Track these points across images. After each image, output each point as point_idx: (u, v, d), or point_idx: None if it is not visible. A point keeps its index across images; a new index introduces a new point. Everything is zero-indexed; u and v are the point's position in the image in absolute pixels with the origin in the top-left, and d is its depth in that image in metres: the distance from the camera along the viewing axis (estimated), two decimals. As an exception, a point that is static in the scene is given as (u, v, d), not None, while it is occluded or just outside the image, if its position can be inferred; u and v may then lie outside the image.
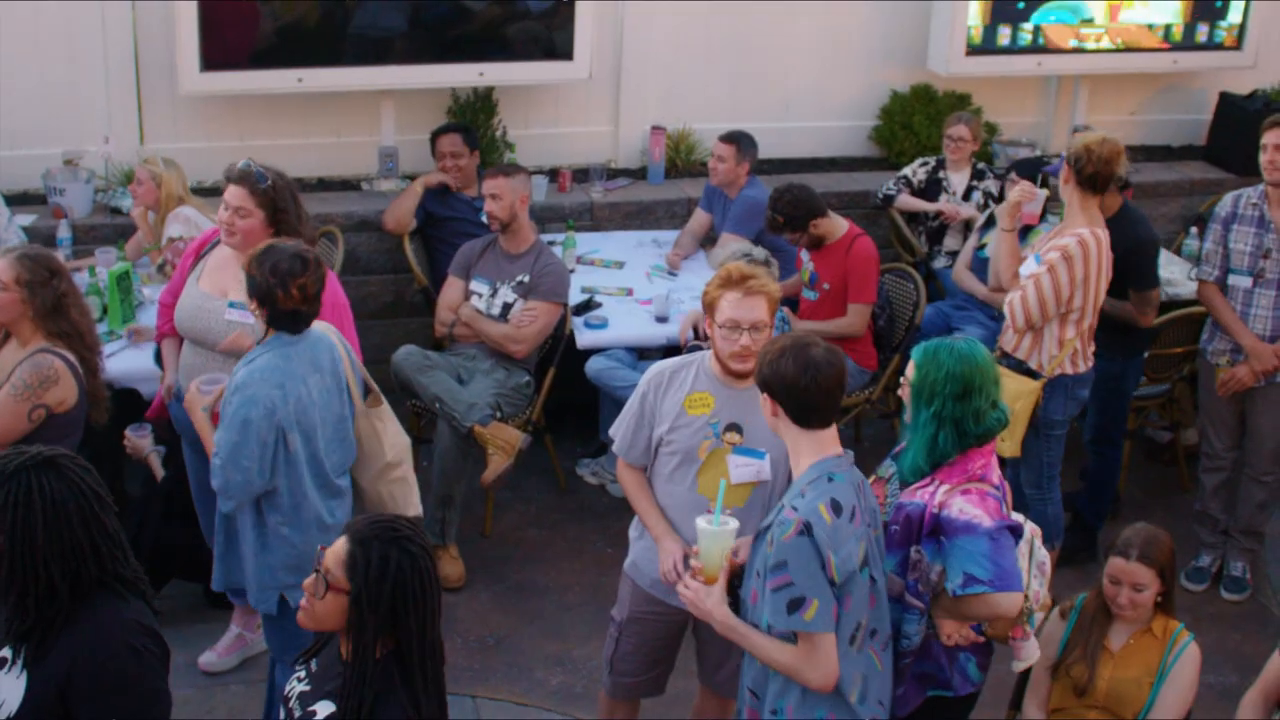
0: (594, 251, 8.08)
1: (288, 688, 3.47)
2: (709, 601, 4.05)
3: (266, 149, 7.56)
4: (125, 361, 6.44)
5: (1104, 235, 6.03)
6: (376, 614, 3.21)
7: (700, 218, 8.10)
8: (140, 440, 5.85)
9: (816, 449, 3.98)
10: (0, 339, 5.17)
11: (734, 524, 4.10)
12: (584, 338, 7.20)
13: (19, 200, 7.90)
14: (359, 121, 8.49)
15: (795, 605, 3.81)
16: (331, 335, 4.95)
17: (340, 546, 3.27)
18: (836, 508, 3.83)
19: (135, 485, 6.43)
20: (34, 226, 7.62)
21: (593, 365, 7.16)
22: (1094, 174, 5.97)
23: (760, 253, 5.52)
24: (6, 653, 3.37)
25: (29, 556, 3.27)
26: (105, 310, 6.76)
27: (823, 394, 3.92)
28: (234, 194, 5.37)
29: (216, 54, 7.78)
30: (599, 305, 7.42)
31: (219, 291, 5.45)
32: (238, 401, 4.64)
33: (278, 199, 5.39)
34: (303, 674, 3.46)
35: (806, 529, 3.78)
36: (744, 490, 4.61)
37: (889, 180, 8.55)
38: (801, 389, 3.91)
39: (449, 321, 7.00)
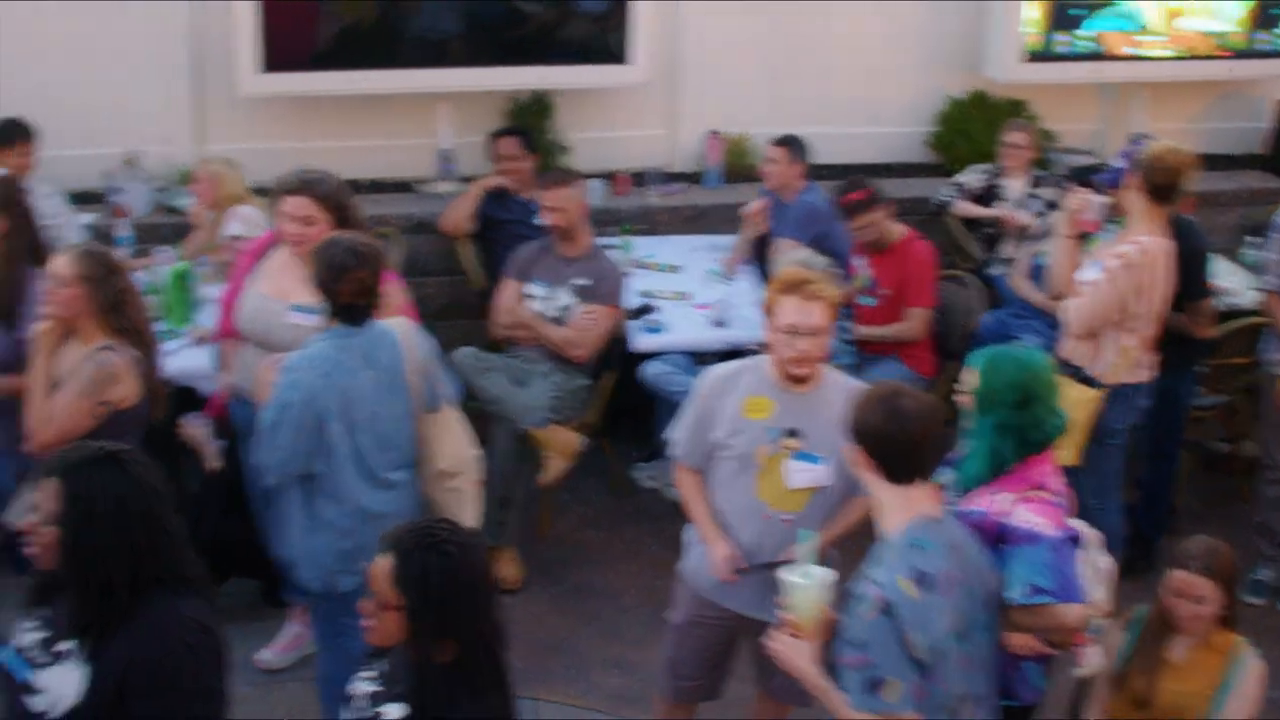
0: (650, 256, 8.08)
1: (353, 684, 3.48)
2: (800, 659, 3.80)
3: (324, 150, 7.62)
4: (183, 360, 6.47)
5: (1166, 244, 5.98)
6: (428, 622, 3.23)
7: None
8: (196, 429, 5.89)
9: (905, 507, 3.71)
10: (62, 335, 5.21)
11: (823, 573, 3.81)
12: (640, 342, 7.18)
13: (79, 199, 7.94)
14: (414, 124, 8.52)
15: (875, 686, 3.57)
16: (400, 333, 4.94)
17: (383, 563, 3.29)
18: (922, 579, 3.56)
19: (193, 482, 6.46)
20: (95, 225, 7.69)
21: (649, 370, 7.15)
22: (1161, 183, 5.92)
23: (821, 261, 5.50)
24: (65, 646, 3.39)
25: (89, 552, 3.30)
26: (165, 309, 6.80)
27: (911, 446, 3.68)
28: (298, 204, 5.34)
29: (275, 56, 7.84)
30: (656, 309, 7.39)
31: (280, 294, 5.46)
32: (283, 384, 4.73)
33: (340, 196, 5.41)
34: (373, 672, 3.47)
35: (888, 608, 3.54)
36: (803, 495, 4.60)
37: (945, 187, 8.50)
38: (888, 439, 3.68)
39: (506, 324, 7.00)
